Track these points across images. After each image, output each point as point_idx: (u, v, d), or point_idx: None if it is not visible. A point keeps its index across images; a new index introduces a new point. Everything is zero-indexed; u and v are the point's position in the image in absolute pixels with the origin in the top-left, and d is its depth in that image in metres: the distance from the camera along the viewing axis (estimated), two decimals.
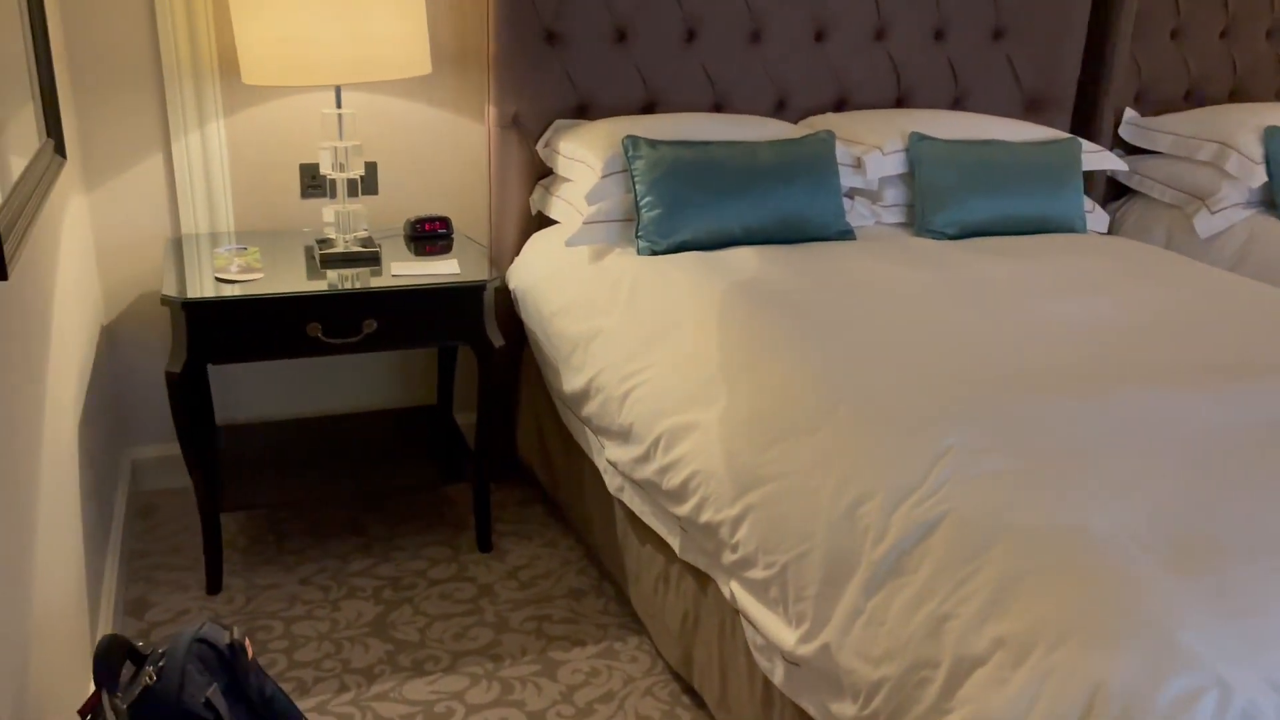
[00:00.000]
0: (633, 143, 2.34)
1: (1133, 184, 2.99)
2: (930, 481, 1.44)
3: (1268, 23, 3.10)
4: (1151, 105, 3.06)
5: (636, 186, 2.32)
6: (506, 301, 2.62)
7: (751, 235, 2.33)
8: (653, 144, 2.34)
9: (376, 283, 2.26)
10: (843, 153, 2.50)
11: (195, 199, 2.52)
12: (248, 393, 2.73)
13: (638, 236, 2.31)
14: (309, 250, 2.44)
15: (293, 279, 2.24)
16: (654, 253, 2.29)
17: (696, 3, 2.62)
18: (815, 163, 2.40)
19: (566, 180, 2.50)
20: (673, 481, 1.85)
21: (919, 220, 2.50)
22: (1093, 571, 1.24)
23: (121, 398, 2.65)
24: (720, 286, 2.07)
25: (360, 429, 2.70)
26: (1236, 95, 3.15)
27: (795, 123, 2.75)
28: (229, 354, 2.17)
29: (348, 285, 2.24)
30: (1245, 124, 2.80)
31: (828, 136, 2.46)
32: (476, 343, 2.32)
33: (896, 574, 1.41)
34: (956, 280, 2.14)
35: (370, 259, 2.38)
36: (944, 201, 2.47)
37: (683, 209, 2.30)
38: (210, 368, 2.66)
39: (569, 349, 2.26)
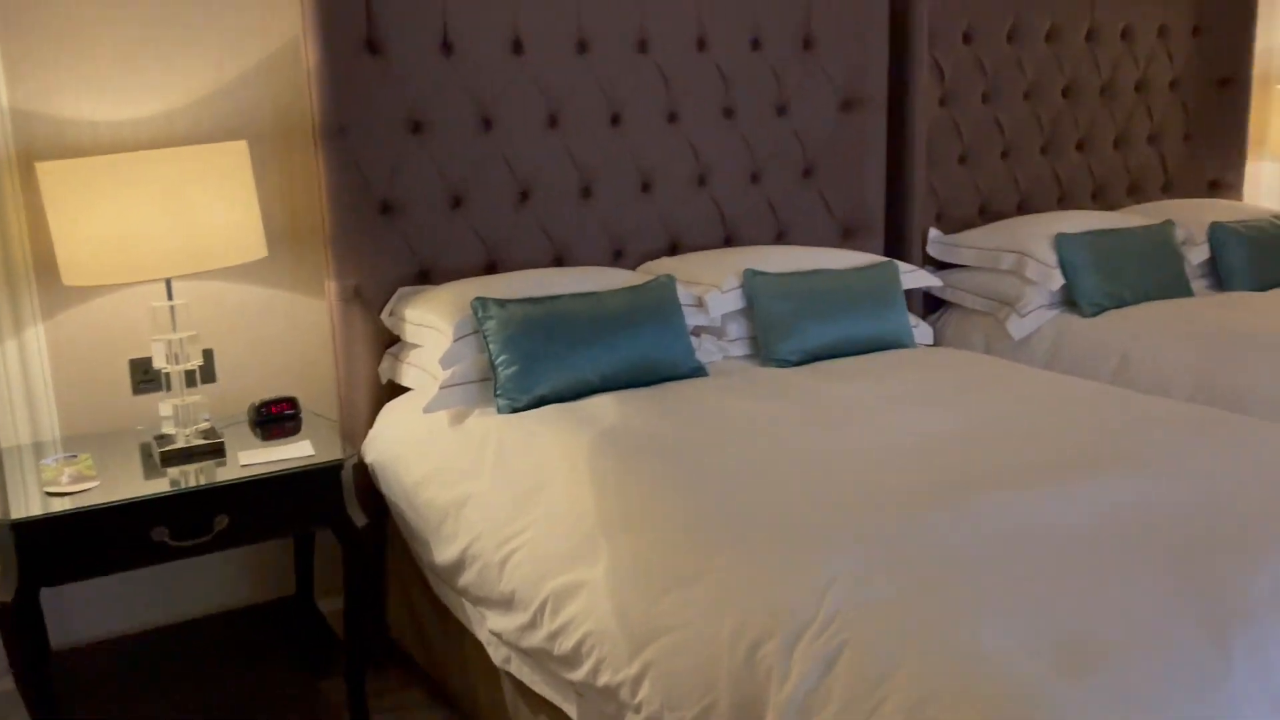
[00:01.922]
0: (482, 304, 2.35)
1: (947, 296, 3.22)
2: (823, 615, 1.46)
3: (1040, 141, 3.45)
4: (951, 223, 3.33)
5: (490, 346, 2.32)
6: (364, 476, 2.53)
7: (608, 382, 2.36)
8: (501, 303, 2.36)
9: (224, 475, 2.15)
10: (684, 294, 2.59)
11: (15, 409, 2.35)
12: (85, 609, 2.50)
13: (497, 395, 2.30)
14: (146, 449, 2.31)
15: (131, 483, 2.10)
16: (515, 410, 2.28)
17: (527, 165, 2.70)
18: (660, 306, 2.47)
19: (416, 347, 2.48)
20: (564, 646, 1.80)
21: (764, 351, 2.59)
22: (990, 688, 1.27)
23: None
24: (586, 438, 2.08)
25: (215, 633, 2.52)
26: (1023, 208, 3.46)
27: (634, 269, 2.84)
28: (66, 574, 2.00)
29: (193, 483, 2.12)
30: (1037, 234, 3.07)
31: (668, 280, 2.55)
32: (339, 525, 2.23)
33: (805, 714, 1.40)
34: (807, 405, 2.23)
35: (214, 451, 2.26)
36: (784, 331, 2.58)
37: (539, 363, 2.31)
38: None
39: (438, 518, 2.20)
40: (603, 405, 2.26)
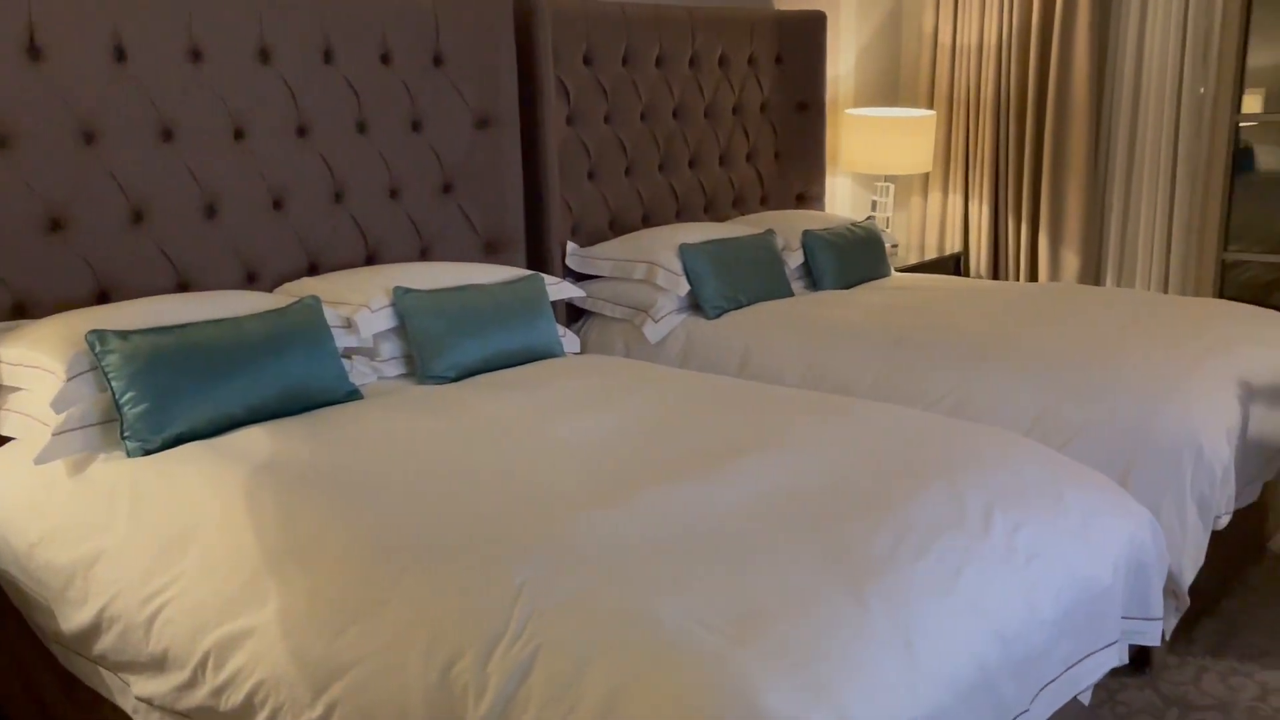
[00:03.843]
0: (99, 337, 2.11)
1: (587, 306, 3.37)
2: (514, 623, 1.49)
3: (658, 159, 3.71)
4: (586, 236, 3.48)
5: (113, 384, 2.09)
6: None
7: (255, 413, 2.22)
8: (122, 335, 2.13)
9: None
10: (331, 315, 2.49)
11: None
12: None
13: (124, 438, 2.08)
14: None
15: None
16: (147, 452, 2.08)
17: (139, 183, 2.46)
18: (306, 329, 2.36)
19: (17, 390, 2.18)
20: (233, 700, 1.67)
21: (420, 369, 2.57)
22: (677, 667, 1.36)
23: None
24: (238, 474, 1.94)
25: None
26: (647, 220, 3.70)
27: (271, 291, 2.68)
28: None
29: None
30: (663, 244, 3.30)
31: (313, 301, 2.44)
32: None
33: None
34: (470, 420, 2.24)
35: None
36: (438, 347, 2.57)
37: (173, 399, 2.12)
38: None
39: (62, 582, 1.95)
40: (252, 438, 2.12)
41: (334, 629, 1.59)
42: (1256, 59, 4.24)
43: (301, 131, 2.76)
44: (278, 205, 2.73)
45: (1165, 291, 4.29)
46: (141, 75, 2.44)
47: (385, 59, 2.90)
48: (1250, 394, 2.57)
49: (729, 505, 1.78)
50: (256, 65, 2.65)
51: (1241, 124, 4.27)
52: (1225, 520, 2.42)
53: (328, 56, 2.78)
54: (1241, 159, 4.35)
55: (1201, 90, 4.12)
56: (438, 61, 3.01)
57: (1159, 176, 4.23)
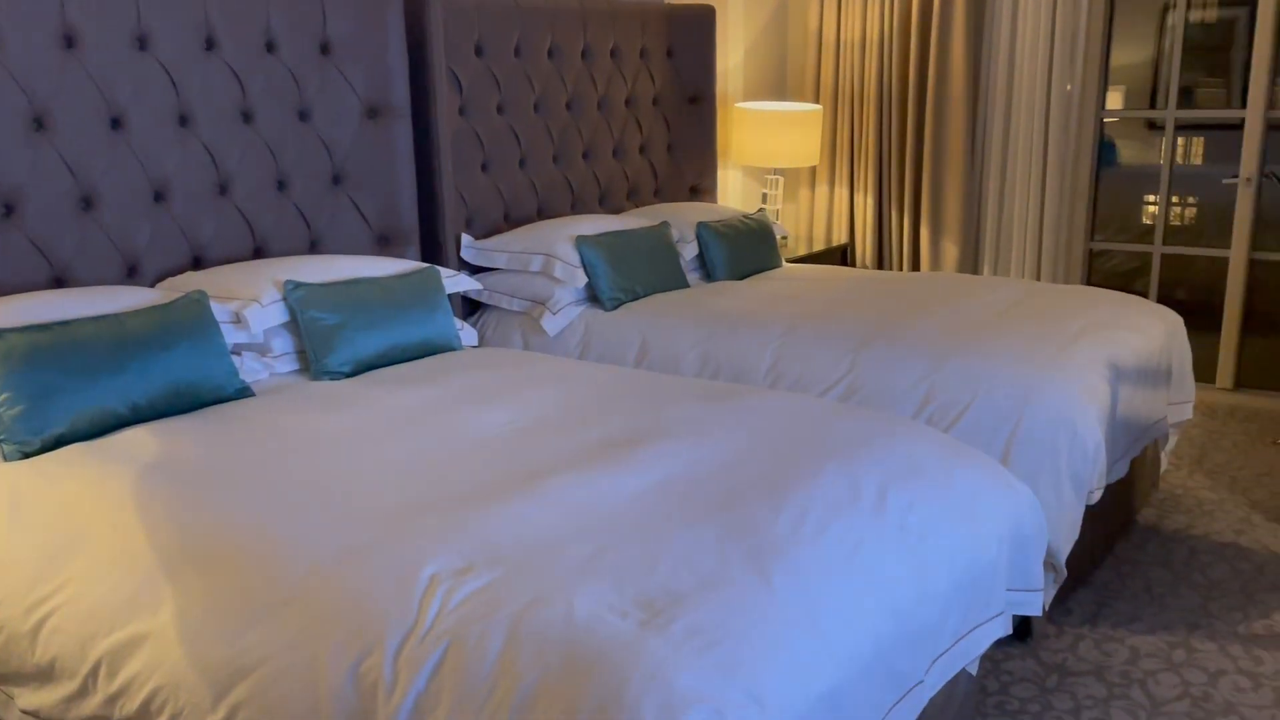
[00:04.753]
0: None
1: (484, 299, 3.35)
2: (425, 617, 1.48)
3: (552, 150, 3.71)
4: (481, 229, 3.46)
5: None
6: None
7: (141, 413, 2.15)
8: None
9: None
10: (220, 310, 2.42)
11: None
12: None
13: (0, 441, 1.98)
14: None
15: None
16: (26, 455, 1.99)
17: (9, 174, 2.34)
18: (193, 325, 2.29)
19: None
20: (128, 708, 1.61)
21: (314, 365, 2.51)
22: (589, 654, 1.38)
23: None
24: (126, 476, 1.87)
25: None
26: (542, 212, 3.70)
27: (153, 286, 2.59)
28: None
29: None
30: (560, 236, 3.30)
31: (200, 296, 2.37)
32: None
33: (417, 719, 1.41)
34: (369, 416, 2.21)
35: None
36: (333, 342, 2.52)
37: (52, 399, 2.03)
38: None
39: None
40: (139, 439, 2.05)
41: (235, 630, 1.55)
42: (1118, 58, 4.49)
43: (183, 121, 2.67)
44: (159, 197, 2.64)
45: (1038, 279, 4.50)
46: (12, 61, 2.32)
47: (270, 46, 2.82)
48: (1119, 375, 2.73)
49: (633, 493, 1.81)
50: (134, 52, 2.54)
51: (1105, 119, 4.51)
52: (1097, 495, 2.56)
53: (209, 43, 2.69)
54: (1105, 153, 4.60)
55: (1069, 87, 4.33)
56: (325, 50, 2.94)
57: (1031, 170, 4.44)
